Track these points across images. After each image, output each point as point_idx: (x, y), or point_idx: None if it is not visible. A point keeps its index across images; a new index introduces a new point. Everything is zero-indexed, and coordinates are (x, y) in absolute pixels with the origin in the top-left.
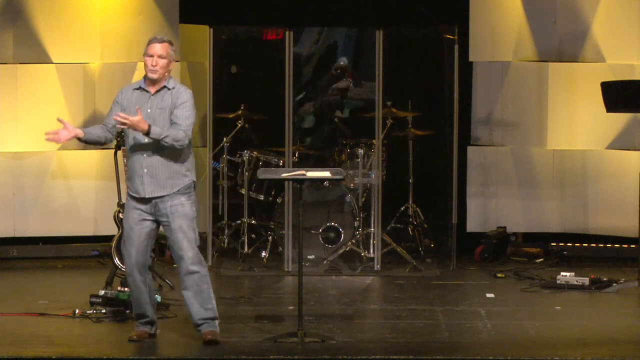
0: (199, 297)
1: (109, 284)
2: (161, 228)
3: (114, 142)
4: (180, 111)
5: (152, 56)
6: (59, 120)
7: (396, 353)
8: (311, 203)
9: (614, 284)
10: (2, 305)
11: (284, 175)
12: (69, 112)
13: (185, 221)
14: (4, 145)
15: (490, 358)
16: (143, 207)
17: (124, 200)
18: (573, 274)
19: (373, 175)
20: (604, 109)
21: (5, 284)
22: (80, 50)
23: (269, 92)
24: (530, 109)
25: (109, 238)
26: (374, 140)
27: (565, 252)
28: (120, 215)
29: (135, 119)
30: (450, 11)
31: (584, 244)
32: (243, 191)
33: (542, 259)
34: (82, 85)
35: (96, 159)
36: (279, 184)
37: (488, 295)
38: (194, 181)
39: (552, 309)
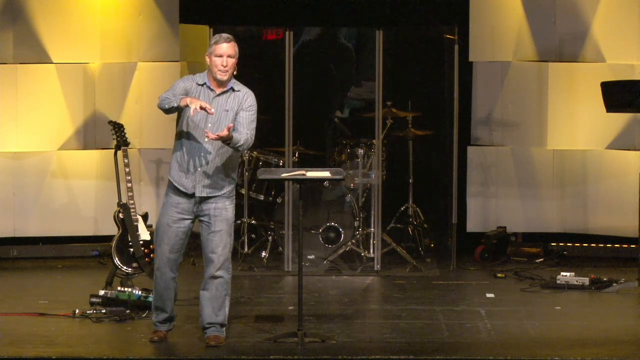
0: (214, 302)
1: (109, 284)
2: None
3: (114, 142)
4: (246, 114)
5: (221, 56)
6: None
7: (396, 353)
8: (311, 203)
9: (614, 284)
10: (2, 305)
11: (284, 175)
12: (69, 112)
13: (225, 226)
14: (4, 145)
15: (490, 358)
16: (185, 204)
17: (124, 200)
18: (573, 274)
19: (373, 175)
20: (604, 109)
21: (5, 284)
22: (80, 50)
23: (269, 92)
24: (530, 109)
25: (109, 238)
26: (374, 140)
27: (565, 252)
28: (121, 215)
29: (225, 134)
30: (450, 11)
31: (584, 244)
32: (243, 191)
33: (542, 259)
34: (82, 85)
35: (96, 159)
36: (279, 184)
37: (488, 295)
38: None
39: (552, 309)
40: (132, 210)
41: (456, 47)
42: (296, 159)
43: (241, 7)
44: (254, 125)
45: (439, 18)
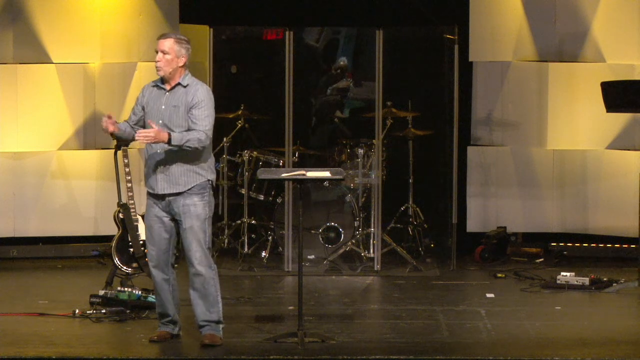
0: (205, 300)
1: (109, 284)
2: None
3: (114, 142)
4: (197, 111)
5: (157, 52)
6: (108, 115)
7: (396, 353)
8: (311, 203)
9: (614, 284)
10: (2, 305)
11: (284, 175)
12: (69, 112)
13: (196, 222)
14: (4, 145)
15: (490, 358)
16: (159, 205)
17: (124, 200)
18: (573, 274)
19: (373, 175)
20: (604, 109)
21: (5, 284)
22: (80, 50)
23: (269, 92)
24: (530, 109)
25: (109, 238)
26: (374, 140)
27: (565, 252)
28: (121, 215)
29: (152, 132)
30: (450, 11)
31: (584, 244)
32: (243, 191)
33: (542, 259)
34: (82, 85)
35: (96, 159)
36: (279, 184)
37: (488, 295)
38: (209, 180)
39: (552, 309)
40: (132, 210)
41: (456, 47)
42: (296, 159)
43: (241, 7)
44: (209, 120)
45: (439, 18)
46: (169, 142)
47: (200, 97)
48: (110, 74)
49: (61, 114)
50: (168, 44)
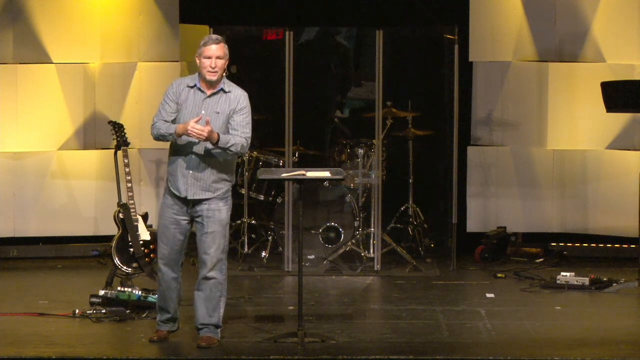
0: (208, 303)
1: (109, 284)
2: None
3: (114, 142)
4: (240, 117)
5: (210, 58)
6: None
7: (396, 353)
8: (311, 203)
9: (614, 284)
10: (2, 305)
11: (284, 175)
12: (69, 112)
13: (219, 227)
14: (4, 145)
15: (490, 358)
16: (179, 206)
17: (124, 200)
18: (573, 274)
19: (373, 175)
20: (604, 109)
21: (5, 284)
22: (80, 50)
23: (269, 92)
24: (530, 109)
25: (109, 238)
26: (374, 140)
27: (565, 252)
28: (121, 215)
29: (206, 131)
30: (450, 11)
31: (584, 244)
32: (243, 191)
33: (542, 259)
34: (82, 85)
35: (96, 159)
36: (279, 184)
37: (488, 295)
38: (232, 184)
39: (552, 309)
40: (132, 210)
41: (456, 47)
42: (296, 159)
43: (241, 7)
44: (249, 127)
45: (439, 18)
46: (215, 143)
47: (243, 103)
48: (110, 74)
49: (61, 114)
50: (222, 49)
